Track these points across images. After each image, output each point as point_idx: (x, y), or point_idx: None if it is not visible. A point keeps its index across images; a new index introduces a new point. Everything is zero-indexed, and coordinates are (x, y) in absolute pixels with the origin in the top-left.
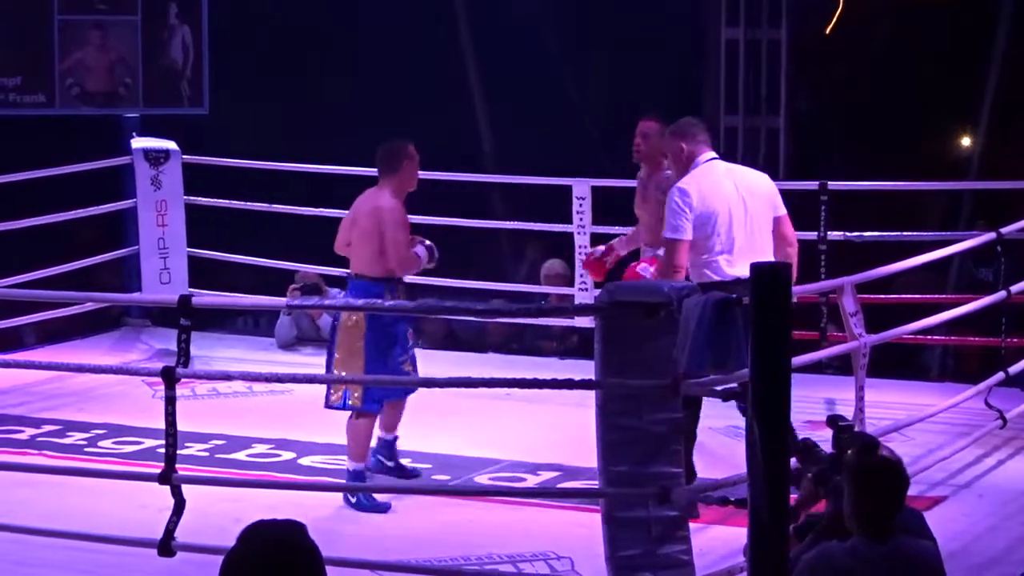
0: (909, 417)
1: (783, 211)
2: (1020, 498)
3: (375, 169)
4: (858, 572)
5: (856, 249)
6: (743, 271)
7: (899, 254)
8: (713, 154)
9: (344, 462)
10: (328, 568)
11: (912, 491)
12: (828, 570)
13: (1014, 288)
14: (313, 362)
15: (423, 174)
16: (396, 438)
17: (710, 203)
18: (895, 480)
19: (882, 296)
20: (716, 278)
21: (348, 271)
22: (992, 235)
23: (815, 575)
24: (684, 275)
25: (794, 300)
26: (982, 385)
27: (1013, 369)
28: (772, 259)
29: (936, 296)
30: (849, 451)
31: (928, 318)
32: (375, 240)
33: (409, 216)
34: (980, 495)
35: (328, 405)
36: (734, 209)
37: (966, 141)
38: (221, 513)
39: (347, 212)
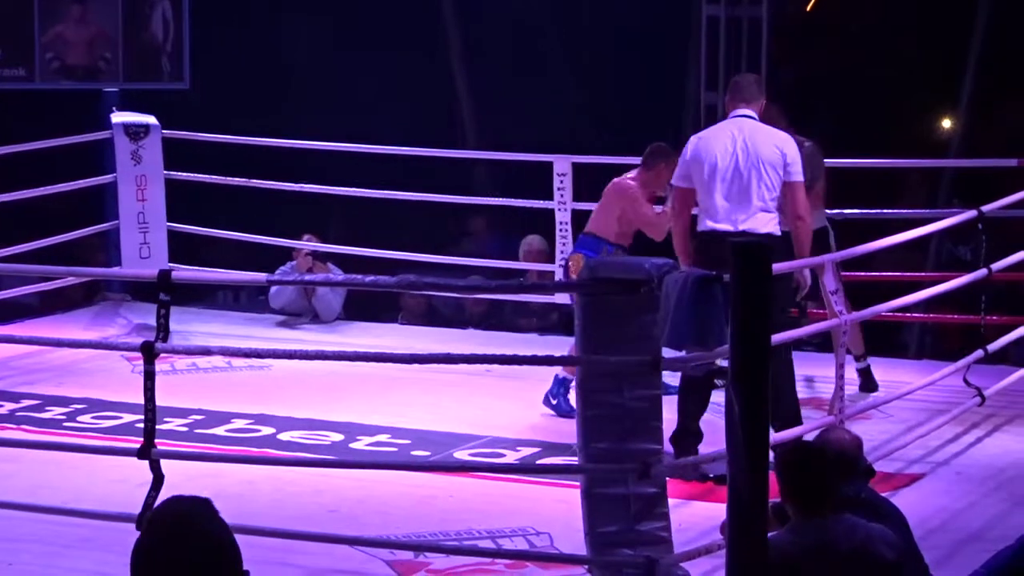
0: (888, 394)
1: (793, 178)
2: (998, 475)
3: (355, 144)
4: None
5: (837, 227)
6: (727, 226)
7: (879, 232)
8: (744, 112)
9: (326, 436)
10: (307, 544)
11: (890, 468)
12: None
13: (995, 266)
14: (296, 337)
15: (403, 150)
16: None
17: (701, 156)
18: (812, 459)
19: (862, 274)
20: (701, 228)
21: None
22: (973, 213)
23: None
24: (684, 220)
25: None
26: (961, 363)
27: (992, 347)
28: (761, 220)
29: (915, 274)
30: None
31: (908, 296)
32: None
33: (389, 192)
34: (958, 472)
35: None
36: (721, 164)
37: (947, 119)
38: (200, 488)
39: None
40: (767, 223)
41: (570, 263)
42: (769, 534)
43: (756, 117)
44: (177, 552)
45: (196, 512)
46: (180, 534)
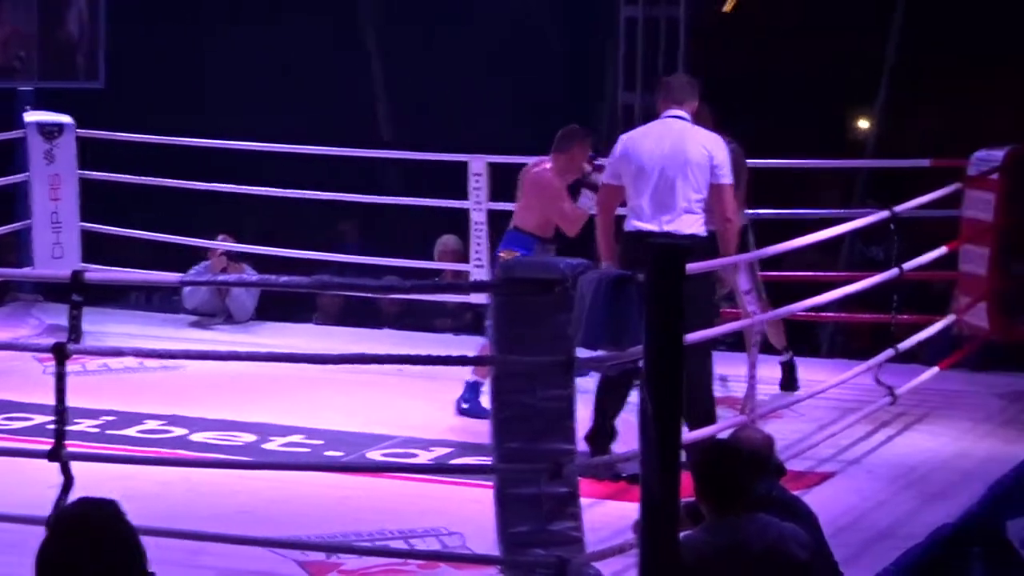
0: (800, 393)
1: (721, 180)
2: (909, 473)
3: (270, 143)
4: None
5: (753, 227)
6: (652, 226)
7: (795, 232)
8: (675, 112)
9: (239, 437)
10: (216, 545)
11: (802, 467)
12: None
13: (906, 266)
14: (209, 337)
15: (318, 149)
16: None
17: (630, 155)
18: (725, 458)
19: (775, 273)
20: (627, 228)
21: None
22: (886, 213)
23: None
24: (608, 218)
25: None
26: (872, 361)
27: (903, 346)
28: (686, 221)
29: (828, 274)
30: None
31: (820, 295)
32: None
33: (304, 192)
34: (869, 471)
35: None
36: (648, 165)
37: (862, 120)
38: (111, 490)
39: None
40: (692, 224)
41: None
42: (682, 533)
43: (688, 118)
44: (81, 554)
45: (101, 514)
46: (85, 536)
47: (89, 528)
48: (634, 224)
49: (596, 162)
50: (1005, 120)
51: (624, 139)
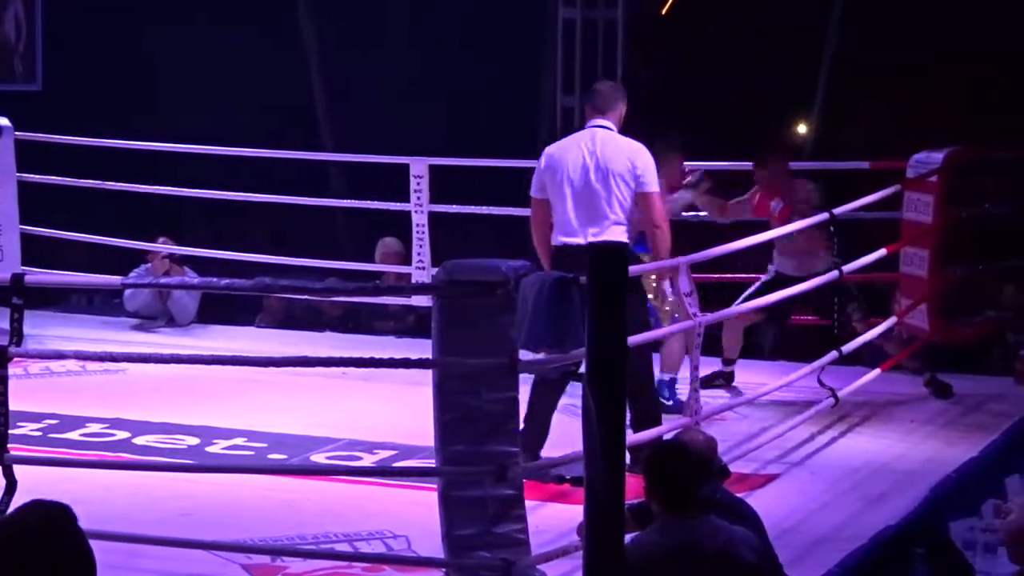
0: (743, 395)
1: (646, 188)
2: (852, 475)
3: (210, 146)
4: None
5: (691, 229)
6: (579, 240)
7: (734, 234)
8: (599, 122)
9: (182, 440)
10: (160, 549)
11: (745, 469)
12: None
13: (846, 268)
14: (152, 340)
15: (259, 152)
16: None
17: (555, 167)
18: (676, 458)
19: (716, 276)
20: (555, 243)
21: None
22: (825, 215)
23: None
24: (543, 231)
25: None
26: (815, 364)
27: (846, 348)
28: (614, 232)
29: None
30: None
31: (762, 297)
32: None
33: (245, 195)
34: (813, 472)
35: None
36: (573, 176)
37: (801, 121)
38: (55, 494)
39: (181, 189)
40: (620, 234)
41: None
42: (632, 534)
43: (612, 126)
44: (29, 557)
45: (53, 517)
46: (34, 539)
47: (38, 532)
48: (560, 239)
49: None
50: (943, 120)
51: (547, 152)
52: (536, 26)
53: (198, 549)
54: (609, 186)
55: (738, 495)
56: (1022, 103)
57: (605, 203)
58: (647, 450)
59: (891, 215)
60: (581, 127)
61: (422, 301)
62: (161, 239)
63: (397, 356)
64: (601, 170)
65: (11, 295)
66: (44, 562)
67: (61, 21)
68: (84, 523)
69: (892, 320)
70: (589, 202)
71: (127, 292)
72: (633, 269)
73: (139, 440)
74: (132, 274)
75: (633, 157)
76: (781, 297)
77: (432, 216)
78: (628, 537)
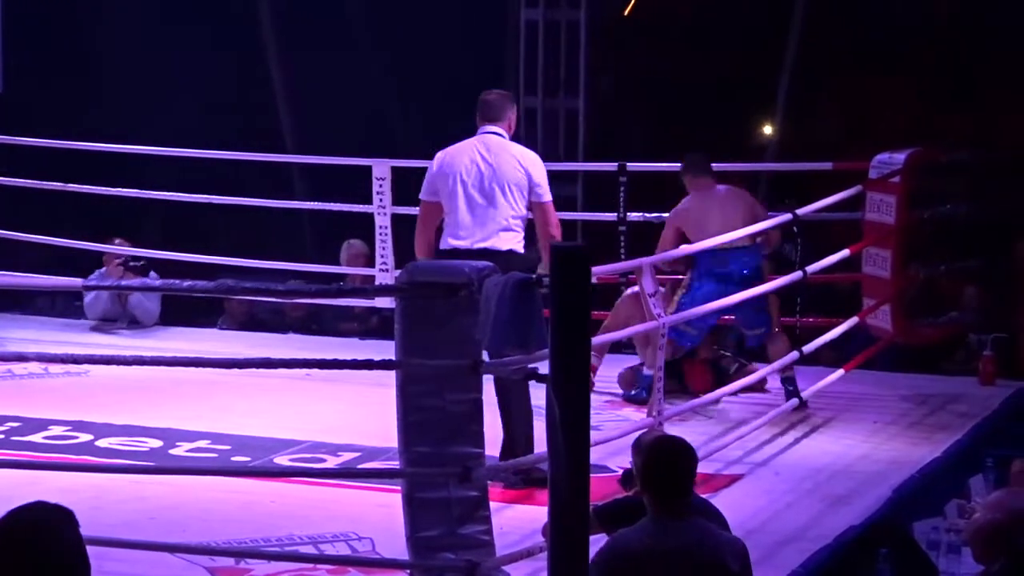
0: (707, 396)
1: (540, 198)
2: (816, 475)
3: (172, 148)
4: (654, 553)
5: (655, 230)
6: (467, 243)
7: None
8: (491, 128)
9: (145, 442)
10: (124, 551)
11: (710, 469)
12: (624, 558)
13: (810, 268)
14: (114, 342)
15: (221, 154)
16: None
17: (446, 171)
18: (682, 455)
19: (681, 276)
20: (443, 245)
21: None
22: (788, 216)
23: (612, 569)
24: (428, 235)
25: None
26: (777, 364)
27: (807, 348)
28: (503, 239)
29: None
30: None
31: (726, 298)
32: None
33: (207, 196)
34: (777, 473)
35: None
36: (466, 180)
37: (764, 122)
38: (18, 497)
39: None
40: (509, 241)
41: None
42: (620, 531)
43: (504, 134)
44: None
45: (51, 519)
46: (28, 541)
47: (31, 532)
48: (449, 242)
49: None
50: (906, 119)
51: (441, 155)
52: (498, 27)
53: (162, 552)
54: (504, 193)
55: (703, 496)
56: (980, 104)
57: (497, 209)
58: (647, 443)
59: (853, 215)
60: (549, 127)
61: (386, 303)
62: (116, 240)
63: (361, 357)
64: (494, 178)
65: None
66: (32, 563)
67: (22, 23)
68: None
69: (854, 320)
70: (480, 208)
71: (87, 301)
72: (597, 270)
73: (102, 443)
74: (90, 279)
75: (528, 166)
76: (743, 297)
77: (396, 218)
78: (595, 537)
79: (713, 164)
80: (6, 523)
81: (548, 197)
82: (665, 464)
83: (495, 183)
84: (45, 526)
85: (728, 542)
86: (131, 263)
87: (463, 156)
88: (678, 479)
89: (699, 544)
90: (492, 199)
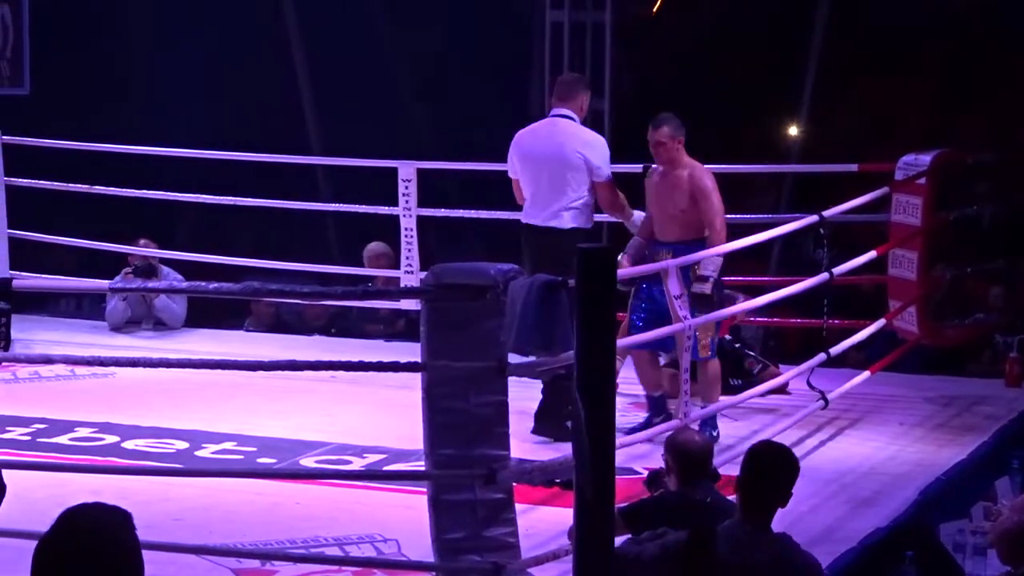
0: (732, 398)
1: (597, 177)
2: (841, 478)
3: (198, 150)
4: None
5: None
6: (532, 219)
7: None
8: (561, 110)
9: (171, 444)
10: (149, 553)
11: (736, 472)
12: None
13: (837, 270)
14: (140, 344)
15: (247, 155)
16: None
17: (518, 151)
18: (786, 465)
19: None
20: (521, 222)
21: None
22: (815, 218)
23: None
24: None
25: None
26: (804, 366)
27: (834, 350)
28: (566, 218)
29: (759, 278)
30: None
31: (752, 300)
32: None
33: (233, 199)
34: (802, 475)
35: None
36: (531, 163)
37: (790, 123)
38: (44, 498)
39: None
40: (572, 219)
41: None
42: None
43: (573, 115)
44: (80, 558)
45: (111, 521)
46: (87, 541)
47: (95, 534)
48: (523, 219)
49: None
50: (930, 120)
51: (517, 136)
52: (524, 28)
53: (188, 553)
54: (564, 175)
55: (729, 498)
56: (1004, 104)
57: (559, 190)
58: (752, 448)
59: (880, 217)
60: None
61: (411, 305)
62: (142, 241)
63: (386, 360)
64: (556, 159)
65: None
66: (88, 565)
67: (49, 25)
68: None
69: (881, 322)
70: (544, 187)
71: (107, 308)
72: (622, 273)
73: (128, 444)
74: (114, 282)
75: (584, 150)
76: (771, 299)
77: (421, 220)
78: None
79: (739, 165)
80: (65, 524)
81: (602, 177)
82: (767, 470)
83: (556, 166)
84: (104, 528)
85: (805, 563)
86: (136, 266)
87: (532, 137)
88: (776, 486)
89: (778, 559)
90: (553, 180)
